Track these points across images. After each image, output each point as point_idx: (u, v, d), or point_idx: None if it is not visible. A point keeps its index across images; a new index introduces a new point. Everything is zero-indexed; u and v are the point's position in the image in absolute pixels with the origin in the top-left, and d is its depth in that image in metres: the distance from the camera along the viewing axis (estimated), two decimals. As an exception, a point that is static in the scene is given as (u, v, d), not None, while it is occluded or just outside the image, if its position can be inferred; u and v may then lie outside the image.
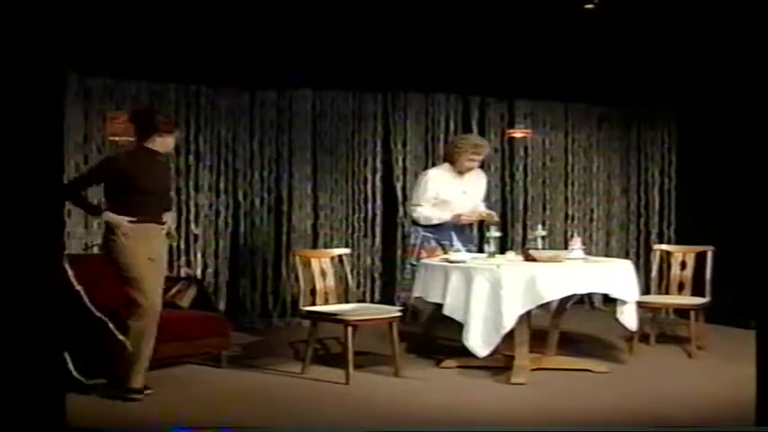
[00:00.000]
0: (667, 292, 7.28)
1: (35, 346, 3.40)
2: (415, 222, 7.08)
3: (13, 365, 3.36)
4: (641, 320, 6.64)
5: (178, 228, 7.54)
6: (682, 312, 7.52)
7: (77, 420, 4.34)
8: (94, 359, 5.66)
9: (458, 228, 6.99)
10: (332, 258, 6.74)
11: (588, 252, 6.91)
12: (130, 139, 7.31)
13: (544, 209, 9.29)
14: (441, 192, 6.98)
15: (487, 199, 7.51)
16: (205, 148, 8.13)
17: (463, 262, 6.20)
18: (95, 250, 7.31)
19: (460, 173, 7.03)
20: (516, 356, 6.11)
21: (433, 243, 6.92)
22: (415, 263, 6.83)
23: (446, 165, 7.14)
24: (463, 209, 6.98)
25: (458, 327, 6.05)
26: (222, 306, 7.80)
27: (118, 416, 5.23)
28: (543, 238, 6.64)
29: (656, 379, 6.15)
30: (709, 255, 7.09)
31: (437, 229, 6.95)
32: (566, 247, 7.22)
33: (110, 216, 5.47)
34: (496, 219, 7.07)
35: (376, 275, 8.71)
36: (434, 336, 6.85)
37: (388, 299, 8.47)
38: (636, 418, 5.18)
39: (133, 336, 5.44)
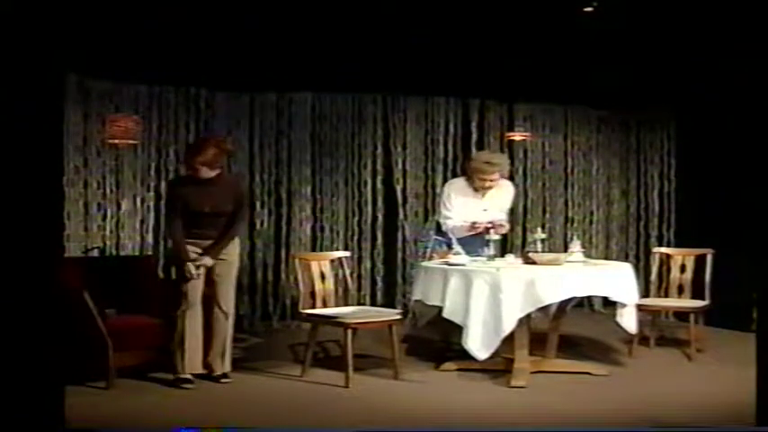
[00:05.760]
0: (667, 295, 7.28)
1: (35, 347, 3.40)
2: (439, 228, 6.94)
3: (13, 366, 3.36)
4: (641, 323, 6.63)
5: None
6: (681, 315, 7.52)
7: (77, 420, 4.34)
8: (91, 359, 5.73)
9: (478, 239, 6.67)
10: (332, 261, 6.74)
11: (588, 255, 6.92)
12: (129, 142, 7.38)
13: (544, 212, 9.29)
14: (461, 207, 6.83)
15: (512, 212, 7.26)
16: (205, 151, 8.13)
17: (463, 265, 6.19)
18: (95, 253, 7.33)
19: (477, 190, 6.87)
20: (516, 359, 6.10)
21: (445, 247, 6.76)
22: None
23: (464, 180, 6.98)
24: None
25: (458, 329, 6.05)
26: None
27: (118, 416, 5.24)
28: (543, 240, 6.63)
29: (655, 382, 6.15)
30: (709, 257, 7.09)
31: (462, 240, 6.65)
32: (565, 250, 7.22)
33: None
34: (502, 231, 6.89)
35: (377, 278, 8.70)
36: (452, 342, 6.61)
37: (389, 302, 8.48)
38: (635, 420, 5.17)
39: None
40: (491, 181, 6.83)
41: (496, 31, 7.76)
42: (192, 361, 5.97)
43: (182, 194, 6.04)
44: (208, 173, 5.96)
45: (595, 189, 9.47)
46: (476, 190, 6.90)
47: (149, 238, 7.89)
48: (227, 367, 6.09)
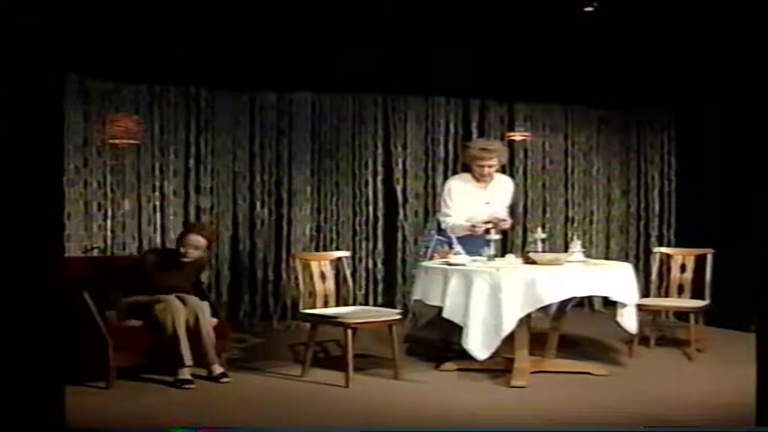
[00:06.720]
0: (667, 295, 7.28)
1: (35, 347, 3.40)
2: (439, 227, 6.92)
3: (13, 366, 3.36)
4: (641, 323, 6.63)
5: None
6: (681, 315, 7.52)
7: (77, 420, 4.34)
8: (91, 359, 5.74)
9: (478, 238, 6.63)
10: (332, 261, 6.74)
11: (588, 255, 6.91)
12: (130, 142, 7.40)
13: (544, 212, 9.29)
14: (463, 202, 6.84)
15: (513, 207, 7.27)
16: (205, 151, 8.15)
17: (463, 265, 6.19)
18: (95, 253, 7.33)
19: (479, 181, 6.86)
20: (516, 359, 6.10)
21: (446, 247, 6.74)
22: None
23: (466, 174, 6.99)
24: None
25: (458, 329, 6.05)
26: (222, 308, 7.79)
27: (118, 416, 5.24)
28: (543, 240, 6.62)
29: (655, 382, 6.15)
30: (709, 257, 7.09)
31: (462, 239, 6.64)
32: (566, 250, 7.21)
33: None
34: (505, 226, 6.88)
35: (378, 278, 8.70)
36: (452, 342, 6.58)
37: (389, 302, 8.48)
38: (635, 420, 5.17)
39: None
40: (489, 167, 6.81)
41: (496, 31, 7.77)
42: (187, 359, 5.97)
43: (150, 268, 6.37)
44: (193, 255, 6.40)
45: (595, 189, 9.48)
46: (477, 182, 6.89)
47: (156, 238, 7.89)
48: (216, 363, 6.08)
